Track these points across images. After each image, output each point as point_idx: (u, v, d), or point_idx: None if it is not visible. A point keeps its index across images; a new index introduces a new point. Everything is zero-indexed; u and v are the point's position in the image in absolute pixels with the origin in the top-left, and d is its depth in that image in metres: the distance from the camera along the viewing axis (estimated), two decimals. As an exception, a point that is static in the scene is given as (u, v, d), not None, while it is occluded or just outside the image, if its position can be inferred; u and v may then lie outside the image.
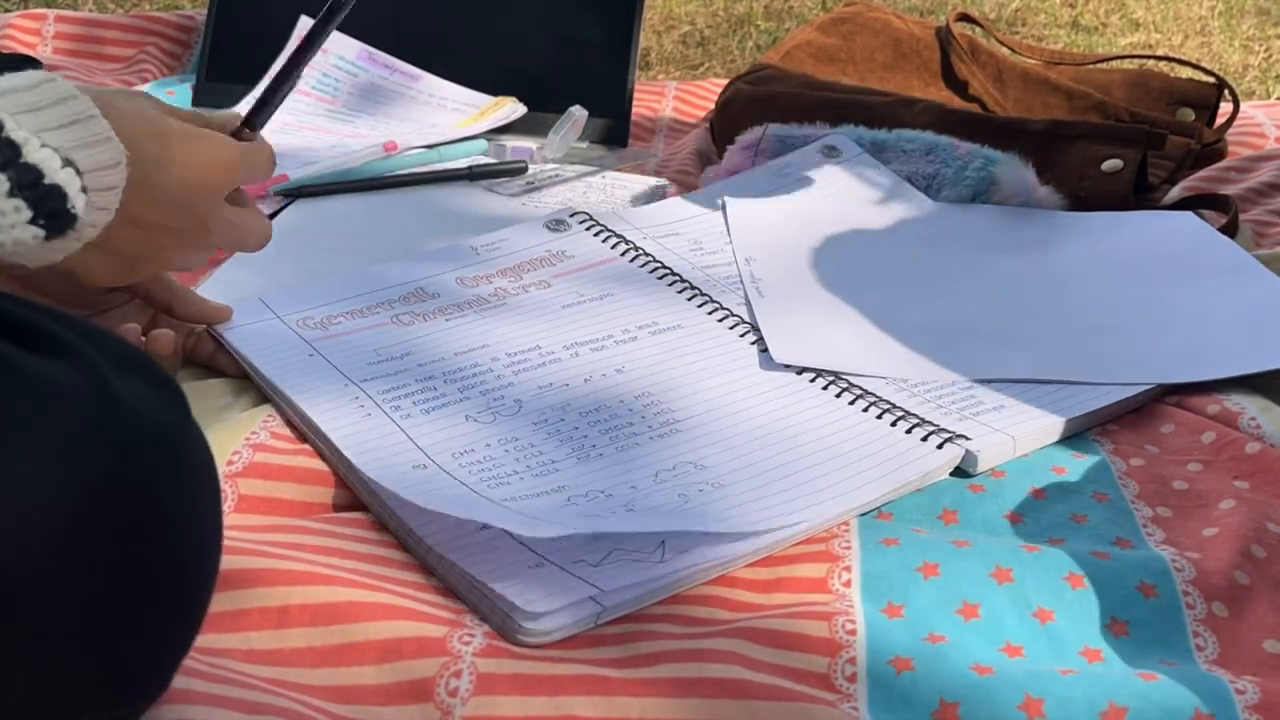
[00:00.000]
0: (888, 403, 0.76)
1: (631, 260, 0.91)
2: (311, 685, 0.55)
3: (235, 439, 0.70)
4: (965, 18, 1.31)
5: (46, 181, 0.56)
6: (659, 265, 0.90)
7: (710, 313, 0.85)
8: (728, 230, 0.96)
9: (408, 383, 0.75)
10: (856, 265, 0.93)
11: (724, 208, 0.99)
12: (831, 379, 0.78)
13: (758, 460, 0.70)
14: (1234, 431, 0.75)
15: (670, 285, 0.88)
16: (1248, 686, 0.55)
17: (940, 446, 0.72)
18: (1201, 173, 1.15)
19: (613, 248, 0.92)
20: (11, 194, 0.55)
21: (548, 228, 0.94)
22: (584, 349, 0.80)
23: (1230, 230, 0.98)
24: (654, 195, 1.07)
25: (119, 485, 0.42)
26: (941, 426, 0.74)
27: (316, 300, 0.83)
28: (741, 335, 0.83)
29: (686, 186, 1.09)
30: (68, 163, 0.57)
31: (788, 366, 0.79)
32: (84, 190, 0.57)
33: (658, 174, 1.13)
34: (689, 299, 0.87)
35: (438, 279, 0.87)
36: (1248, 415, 0.76)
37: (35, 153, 0.55)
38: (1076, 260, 0.94)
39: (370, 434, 0.70)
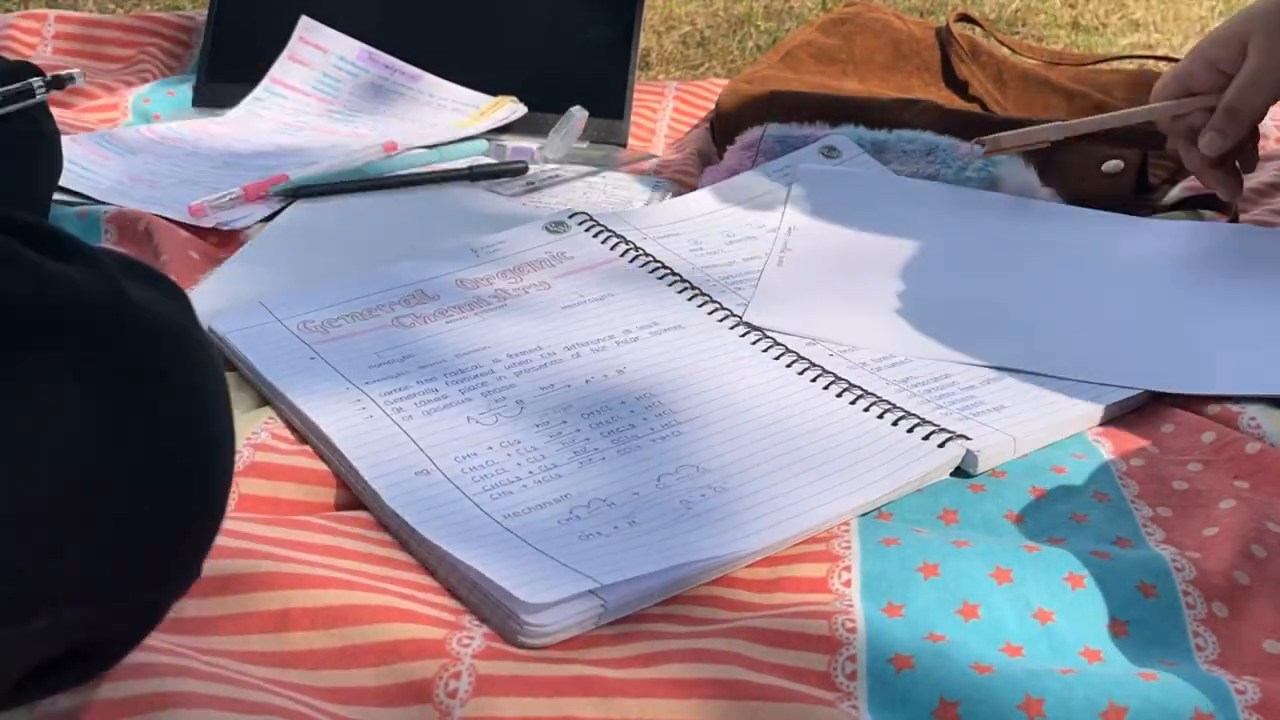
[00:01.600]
0: (888, 402, 0.76)
1: (631, 261, 0.91)
2: (311, 687, 0.55)
3: (237, 439, 0.70)
4: (965, 18, 1.30)
5: None
6: (659, 266, 0.90)
7: (711, 313, 0.85)
8: (787, 193, 0.96)
9: (409, 384, 0.75)
10: (894, 255, 0.92)
11: (794, 169, 0.99)
12: (832, 379, 0.78)
13: (759, 461, 0.70)
14: (1234, 431, 0.75)
15: (670, 286, 0.88)
16: (1248, 686, 0.55)
17: (942, 445, 0.72)
18: (1202, 173, 1.14)
19: (612, 249, 0.92)
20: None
21: (547, 229, 0.94)
22: (585, 350, 0.80)
23: (1230, 230, 0.98)
24: (654, 195, 1.07)
25: (139, 378, 0.44)
26: (942, 426, 0.74)
27: (317, 303, 0.83)
28: (742, 335, 0.83)
29: (686, 186, 1.09)
30: None
31: (788, 366, 0.79)
32: None
33: (658, 174, 1.13)
34: (689, 299, 0.87)
35: (438, 281, 0.87)
36: (1248, 415, 0.76)
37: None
38: (1128, 260, 0.93)
39: (373, 436, 0.70)
